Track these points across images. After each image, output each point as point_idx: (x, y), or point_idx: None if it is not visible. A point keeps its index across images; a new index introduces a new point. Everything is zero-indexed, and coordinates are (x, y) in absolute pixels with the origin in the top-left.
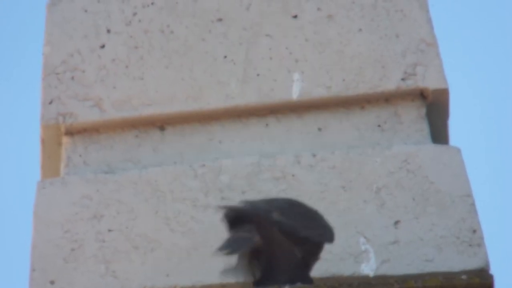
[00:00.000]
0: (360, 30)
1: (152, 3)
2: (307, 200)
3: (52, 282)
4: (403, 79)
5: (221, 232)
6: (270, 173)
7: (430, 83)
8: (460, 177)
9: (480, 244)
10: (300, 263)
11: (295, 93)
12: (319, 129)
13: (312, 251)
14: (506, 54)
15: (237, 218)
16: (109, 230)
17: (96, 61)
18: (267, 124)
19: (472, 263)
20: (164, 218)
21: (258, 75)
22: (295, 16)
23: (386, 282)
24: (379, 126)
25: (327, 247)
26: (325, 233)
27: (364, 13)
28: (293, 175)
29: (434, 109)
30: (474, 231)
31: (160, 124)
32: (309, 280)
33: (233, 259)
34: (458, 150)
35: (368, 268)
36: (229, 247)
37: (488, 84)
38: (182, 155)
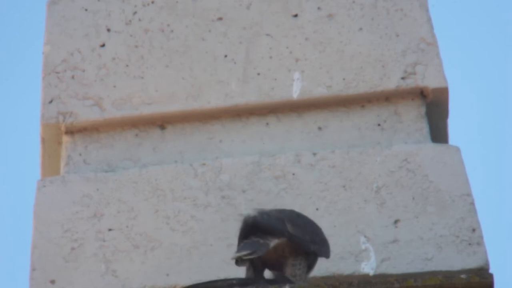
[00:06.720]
0: (360, 29)
1: (152, 2)
2: (308, 199)
3: (52, 282)
4: (403, 78)
5: (221, 232)
6: (270, 172)
7: (430, 82)
8: (459, 176)
9: (480, 243)
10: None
11: (295, 92)
12: (319, 128)
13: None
14: (505, 53)
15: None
16: (109, 229)
17: (96, 60)
18: (267, 123)
19: (471, 262)
20: (164, 217)
21: (258, 74)
22: (296, 16)
23: (386, 281)
24: (379, 125)
25: None
26: (328, 250)
27: (364, 12)
28: (293, 174)
29: (434, 108)
30: (474, 230)
31: (160, 123)
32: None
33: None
34: (457, 149)
35: (368, 267)
36: (247, 249)
37: (487, 83)
38: (182, 154)
